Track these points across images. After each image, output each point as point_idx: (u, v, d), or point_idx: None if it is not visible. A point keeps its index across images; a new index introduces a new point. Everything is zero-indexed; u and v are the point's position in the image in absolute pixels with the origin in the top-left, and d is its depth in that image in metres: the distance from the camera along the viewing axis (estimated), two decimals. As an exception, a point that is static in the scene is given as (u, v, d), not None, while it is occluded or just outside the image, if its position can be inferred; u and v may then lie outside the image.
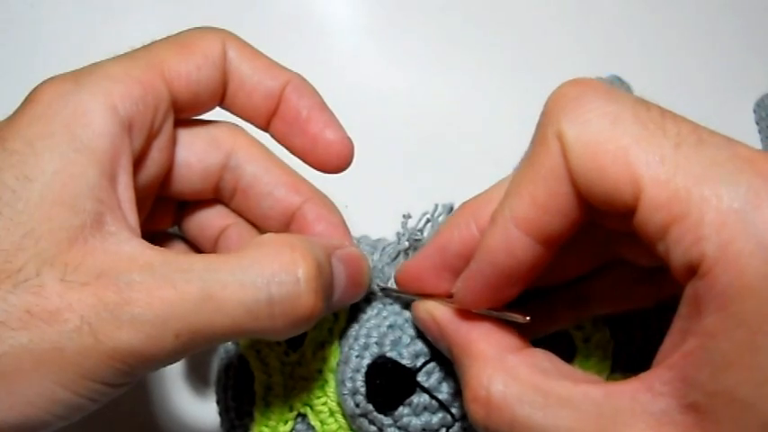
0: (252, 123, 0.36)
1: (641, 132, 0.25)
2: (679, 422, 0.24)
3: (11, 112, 0.31)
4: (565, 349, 0.38)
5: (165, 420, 0.44)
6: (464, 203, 0.32)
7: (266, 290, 0.28)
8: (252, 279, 0.28)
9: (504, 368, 0.28)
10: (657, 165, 0.24)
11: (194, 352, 0.29)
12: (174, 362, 0.29)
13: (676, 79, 0.56)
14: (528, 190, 0.27)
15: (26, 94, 0.31)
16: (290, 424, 0.35)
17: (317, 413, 0.35)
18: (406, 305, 0.35)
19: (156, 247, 0.29)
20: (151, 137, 0.32)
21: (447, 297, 0.32)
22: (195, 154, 0.35)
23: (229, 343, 0.37)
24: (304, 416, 0.35)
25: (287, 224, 0.36)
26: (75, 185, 0.28)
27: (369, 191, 0.39)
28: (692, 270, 0.24)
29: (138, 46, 0.34)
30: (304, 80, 0.36)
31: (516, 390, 0.27)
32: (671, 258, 0.24)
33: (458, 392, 0.33)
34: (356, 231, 0.38)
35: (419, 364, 0.33)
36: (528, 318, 0.30)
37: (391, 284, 0.36)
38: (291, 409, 0.35)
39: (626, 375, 0.38)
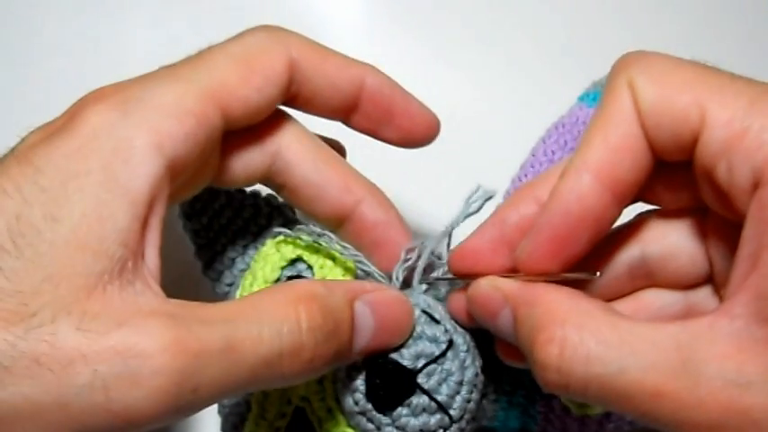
0: (330, 119, 0.36)
1: (702, 71, 0.28)
2: (759, 337, 0.25)
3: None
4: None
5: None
6: (523, 184, 0.33)
7: (278, 341, 0.28)
8: (267, 331, 0.28)
9: (578, 310, 0.28)
10: (718, 91, 0.27)
11: (205, 407, 0.28)
12: (182, 420, 0.29)
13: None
14: (600, 136, 0.29)
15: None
16: (287, 417, 0.35)
17: (315, 408, 0.35)
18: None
19: (172, 299, 0.29)
20: (197, 170, 0.32)
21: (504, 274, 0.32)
22: (239, 158, 0.34)
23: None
24: (302, 409, 0.35)
25: (340, 224, 0.36)
26: (102, 228, 0.27)
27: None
28: (756, 181, 0.25)
29: (193, 53, 0.32)
30: (378, 72, 0.36)
31: (592, 328, 0.27)
32: (734, 175, 0.26)
33: (456, 394, 0.34)
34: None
35: (420, 365, 0.33)
36: (598, 273, 0.31)
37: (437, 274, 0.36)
38: (289, 403, 0.35)
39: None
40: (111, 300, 0.27)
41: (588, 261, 0.31)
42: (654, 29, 0.58)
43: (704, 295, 0.32)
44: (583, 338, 0.27)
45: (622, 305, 0.33)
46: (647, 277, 0.32)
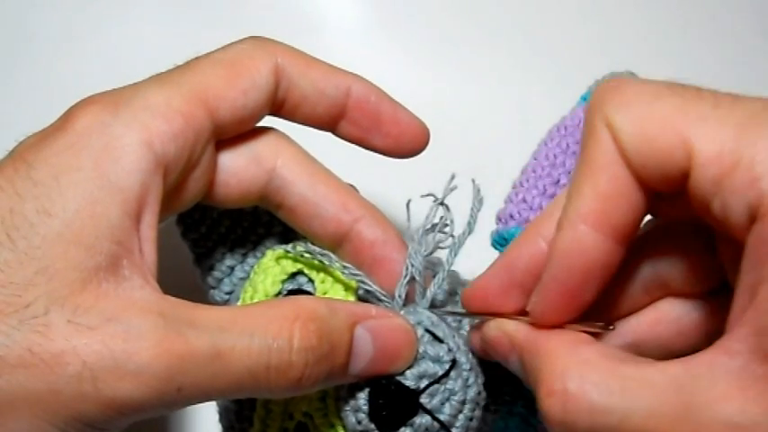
0: (316, 129, 0.36)
1: (680, 101, 0.26)
2: (760, 375, 0.24)
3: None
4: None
5: (164, 417, 0.44)
6: (528, 223, 0.32)
7: (266, 356, 0.29)
8: (257, 343, 0.29)
9: (578, 360, 0.28)
10: (702, 122, 0.26)
11: (192, 405, 0.29)
12: (170, 412, 0.29)
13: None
14: (588, 185, 0.28)
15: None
16: (289, 433, 0.36)
17: (318, 424, 0.35)
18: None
19: (169, 297, 0.29)
20: (188, 170, 0.32)
21: (515, 315, 0.32)
22: (235, 174, 0.34)
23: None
24: (304, 425, 0.35)
25: (338, 243, 0.36)
26: (95, 225, 0.28)
27: (369, 189, 0.39)
28: (752, 215, 0.25)
29: (181, 63, 0.33)
30: (364, 80, 0.36)
31: (593, 378, 0.27)
32: (730, 211, 0.25)
33: (459, 413, 0.34)
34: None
35: (422, 385, 0.33)
36: (612, 327, 0.31)
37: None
38: (292, 418, 0.35)
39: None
40: (105, 294, 0.28)
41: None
42: (653, 28, 0.57)
43: (724, 300, 0.31)
44: (584, 389, 0.26)
45: (641, 317, 0.33)
46: (663, 288, 0.32)
